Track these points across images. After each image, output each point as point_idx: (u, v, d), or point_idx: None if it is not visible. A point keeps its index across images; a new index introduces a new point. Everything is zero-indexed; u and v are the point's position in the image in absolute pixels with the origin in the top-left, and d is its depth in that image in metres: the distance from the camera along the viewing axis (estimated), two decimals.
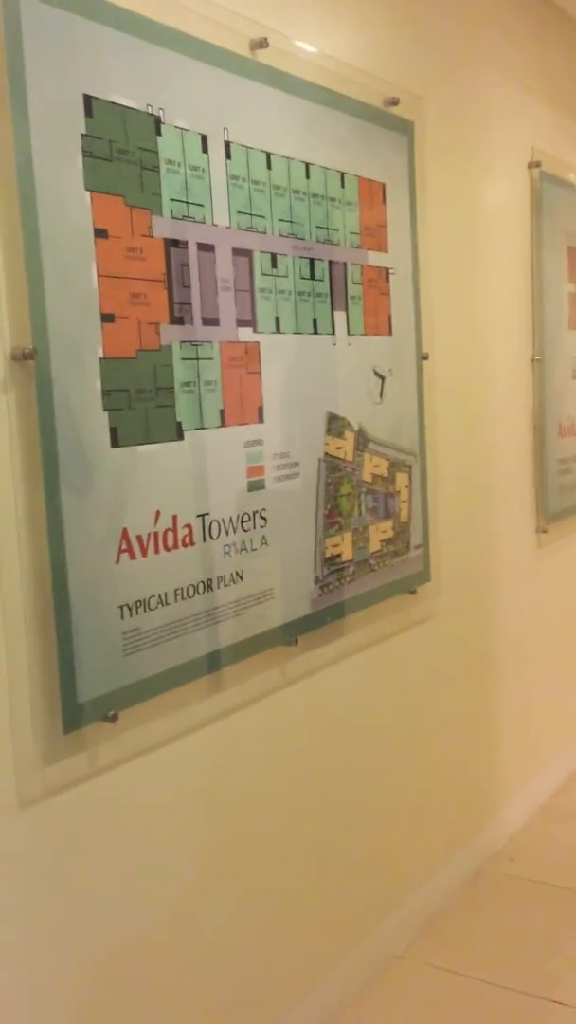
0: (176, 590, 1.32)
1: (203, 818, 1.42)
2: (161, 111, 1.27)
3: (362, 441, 1.73)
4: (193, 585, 1.35)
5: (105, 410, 1.20)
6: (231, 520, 1.42)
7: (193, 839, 1.40)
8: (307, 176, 1.57)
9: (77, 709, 1.17)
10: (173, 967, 1.36)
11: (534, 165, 2.41)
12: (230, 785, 1.47)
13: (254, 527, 1.47)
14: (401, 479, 1.87)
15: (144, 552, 1.26)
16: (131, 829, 1.29)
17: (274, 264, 1.49)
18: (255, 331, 1.46)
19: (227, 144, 1.39)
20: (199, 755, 1.40)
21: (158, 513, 1.28)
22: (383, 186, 1.78)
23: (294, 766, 1.61)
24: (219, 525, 1.39)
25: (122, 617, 1.23)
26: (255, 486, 1.47)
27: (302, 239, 1.56)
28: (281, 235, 1.51)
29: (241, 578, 1.44)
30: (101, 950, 1.24)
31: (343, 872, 1.76)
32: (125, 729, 1.25)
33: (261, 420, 1.48)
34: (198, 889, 1.41)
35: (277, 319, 1.50)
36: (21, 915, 1.14)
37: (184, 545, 1.33)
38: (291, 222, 1.53)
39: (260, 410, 1.47)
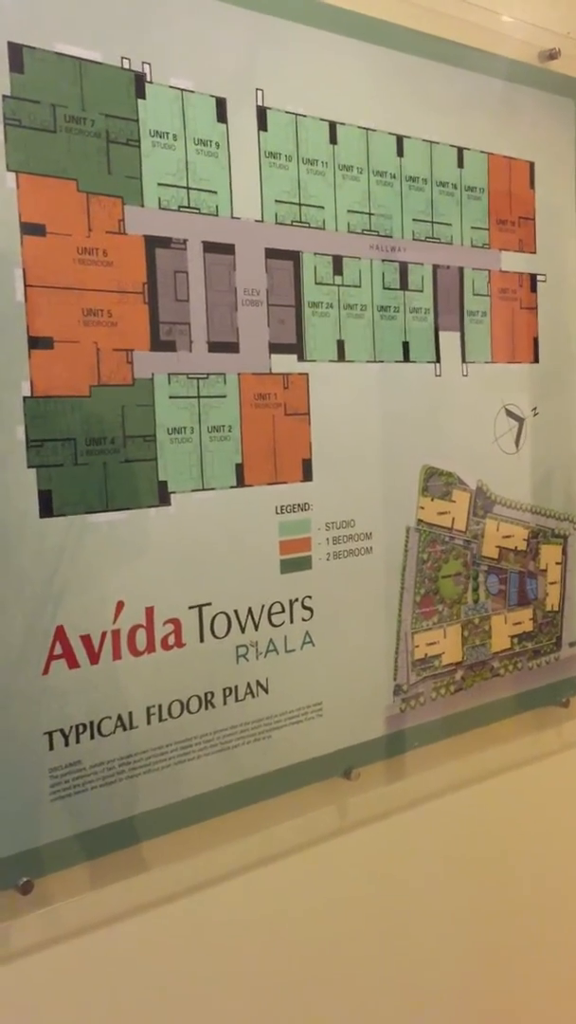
0: (149, 708, 0.97)
1: None
2: (146, 66, 0.95)
3: (483, 503, 1.30)
4: (180, 701, 1.00)
5: (32, 467, 0.89)
6: (250, 612, 1.05)
7: None
8: (400, 153, 1.18)
9: None
10: None
11: None
12: (236, 988, 1.09)
13: (290, 620, 1.09)
14: (549, 553, 1.40)
15: (95, 658, 0.93)
16: None
17: (338, 270, 1.12)
18: (301, 359, 1.09)
19: (262, 110, 1.04)
20: (178, 933, 1.03)
21: (120, 605, 0.95)
22: (530, 165, 1.34)
23: (348, 961, 1.20)
24: (228, 619, 1.03)
25: (51, 747, 0.91)
26: (294, 565, 1.09)
27: (388, 236, 1.17)
28: (352, 231, 1.13)
29: (265, 690, 1.07)
30: None
31: None
32: (54, 900, 0.92)
33: (308, 477, 1.10)
34: None
35: (340, 343, 1.12)
36: None
37: (165, 647, 0.98)
38: (369, 214, 1.14)
39: (306, 464, 1.10)
